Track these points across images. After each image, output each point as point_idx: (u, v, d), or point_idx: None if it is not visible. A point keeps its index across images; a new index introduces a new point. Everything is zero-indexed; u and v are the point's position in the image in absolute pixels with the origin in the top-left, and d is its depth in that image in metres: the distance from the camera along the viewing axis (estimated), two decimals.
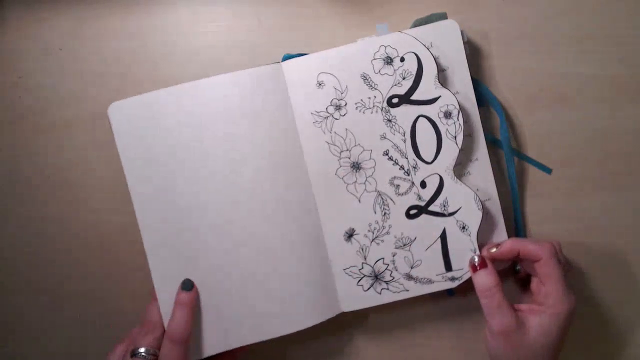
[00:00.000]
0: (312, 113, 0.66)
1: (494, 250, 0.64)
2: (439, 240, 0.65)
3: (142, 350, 0.62)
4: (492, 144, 0.70)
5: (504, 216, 0.67)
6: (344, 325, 0.71)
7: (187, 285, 0.65)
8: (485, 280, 0.62)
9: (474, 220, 0.65)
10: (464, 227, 0.65)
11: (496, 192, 0.67)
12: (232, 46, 0.73)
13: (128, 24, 0.73)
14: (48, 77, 0.73)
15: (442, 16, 0.66)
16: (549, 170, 0.70)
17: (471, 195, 0.65)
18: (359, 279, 0.66)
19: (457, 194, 0.65)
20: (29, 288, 0.73)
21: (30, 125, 0.73)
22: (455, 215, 0.65)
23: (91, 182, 0.72)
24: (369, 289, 0.66)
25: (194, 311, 0.64)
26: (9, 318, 0.73)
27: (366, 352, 0.71)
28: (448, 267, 0.65)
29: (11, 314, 0.73)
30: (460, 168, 0.66)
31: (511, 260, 0.66)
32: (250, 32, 0.73)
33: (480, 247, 0.65)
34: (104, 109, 0.67)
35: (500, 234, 0.67)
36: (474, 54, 0.70)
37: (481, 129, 0.66)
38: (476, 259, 0.63)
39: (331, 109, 0.65)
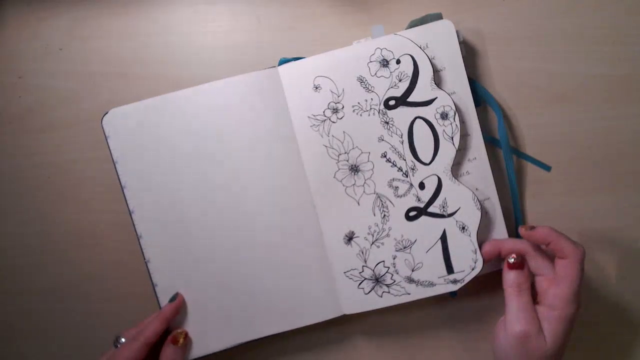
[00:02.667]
0: (309, 117, 0.66)
1: (527, 230, 0.62)
2: (439, 241, 0.65)
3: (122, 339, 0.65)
4: (491, 143, 0.70)
5: (503, 216, 0.66)
6: (344, 325, 0.71)
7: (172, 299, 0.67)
8: (518, 275, 0.62)
9: (473, 220, 0.65)
10: (463, 228, 0.65)
11: (495, 191, 0.66)
12: (232, 46, 0.72)
13: (128, 24, 0.73)
14: (48, 77, 0.73)
15: (437, 16, 0.66)
16: (548, 168, 0.70)
17: (470, 195, 0.65)
18: (360, 282, 0.66)
19: (455, 195, 0.65)
20: (29, 288, 0.73)
21: (30, 125, 0.73)
22: (454, 215, 0.65)
23: (91, 182, 0.73)
24: (370, 292, 0.66)
25: (168, 322, 0.66)
26: (9, 318, 0.73)
27: (366, 353, 0.71)
28: (449, 269, 0.65)
29: (11, 314, 0.73)
30: (458, 168, 0.66)
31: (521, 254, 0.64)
32: (250, 32, 0.72)
33: (480, 246, 0.65)
34: (103, 109, 0.67)
35: (500, 233, 0.67)
36: (471, 54, 0.70)
37: (479, 128, 0.66)
38: (512, 260, 0.63)
39: (328, 112, 0.66)
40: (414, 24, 0.67)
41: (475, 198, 0.64)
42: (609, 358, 0.70)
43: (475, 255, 0.65)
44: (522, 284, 0.61)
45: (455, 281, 0.65)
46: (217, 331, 0.67)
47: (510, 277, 0.62)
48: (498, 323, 0.63)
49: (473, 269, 0.65)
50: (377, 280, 0.66)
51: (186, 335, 0.66)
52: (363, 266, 0.66)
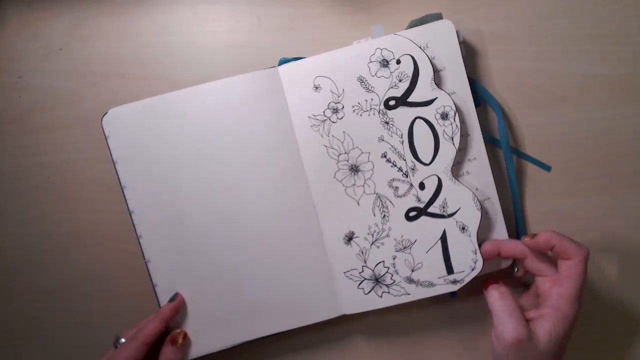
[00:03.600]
0: (309, 117, 0.66)
1: (531, 239, 0.62)
2: (439, 242, 0.65)
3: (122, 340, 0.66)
4: (491, 143, 0.70)
5: (503, 216, 0.66)
6: (344, 325, 0.71)
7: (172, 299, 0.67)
8: (496, 288, 0.61)
9: (473, 220, 0.65)
10: (463, 228, 0.65)
11: (495, 191, 0.66)
12: (232, 46, 0.72)
13: (128, 24, 0.73)
14: (48, 77, 0.73)
15: (438, 16, 0.66)
16: (548, 168, 0.70)
17: (470, 196, 0.65)
18: (360, 282, 0.66)
19: (455, 195, 0.65)
20: (29, 288, 0.73)
21: (30, 125, 0.73)
22: (454, 216, 0.65)
23: (91, 182, 0.72)
24: (369, 292, 0.66)
25: (167, 322, 0.66)
26: (9, 318, 0.73)
27: (366, 353, 0.71)
28: (449, 269, 0.65)
29: (11, 314, 0.73)
30: (458, 168, 0.66)
31: (520, 257, 0.64)
32: (250, 32, 0.72)
33: (480, 246, 0.65)
34: (103, 109, 0.67)
35: (500, 233, 0.66)
36: (471, 54, 0.70)
37: (479, 128, 0.66)
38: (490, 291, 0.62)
39: (328, 113, 0.66)
40: (414, 24, 0.66)
41: (475, 198, 0.64)
42: (609, 358, 0.70)
43: (475, 255, 0.64)
44: (501, 289, 0.61)
45: (455, 281, 0.65)
46: (217, 331, 0.67)
47: (491, 292, 0.62)
48: (492, 334, 0.60)
49: (473, 269, 0.65)
50: (377, 280, 0.66)
51: (185, 336, 0.66)
52: (363, 266, 0.66)
